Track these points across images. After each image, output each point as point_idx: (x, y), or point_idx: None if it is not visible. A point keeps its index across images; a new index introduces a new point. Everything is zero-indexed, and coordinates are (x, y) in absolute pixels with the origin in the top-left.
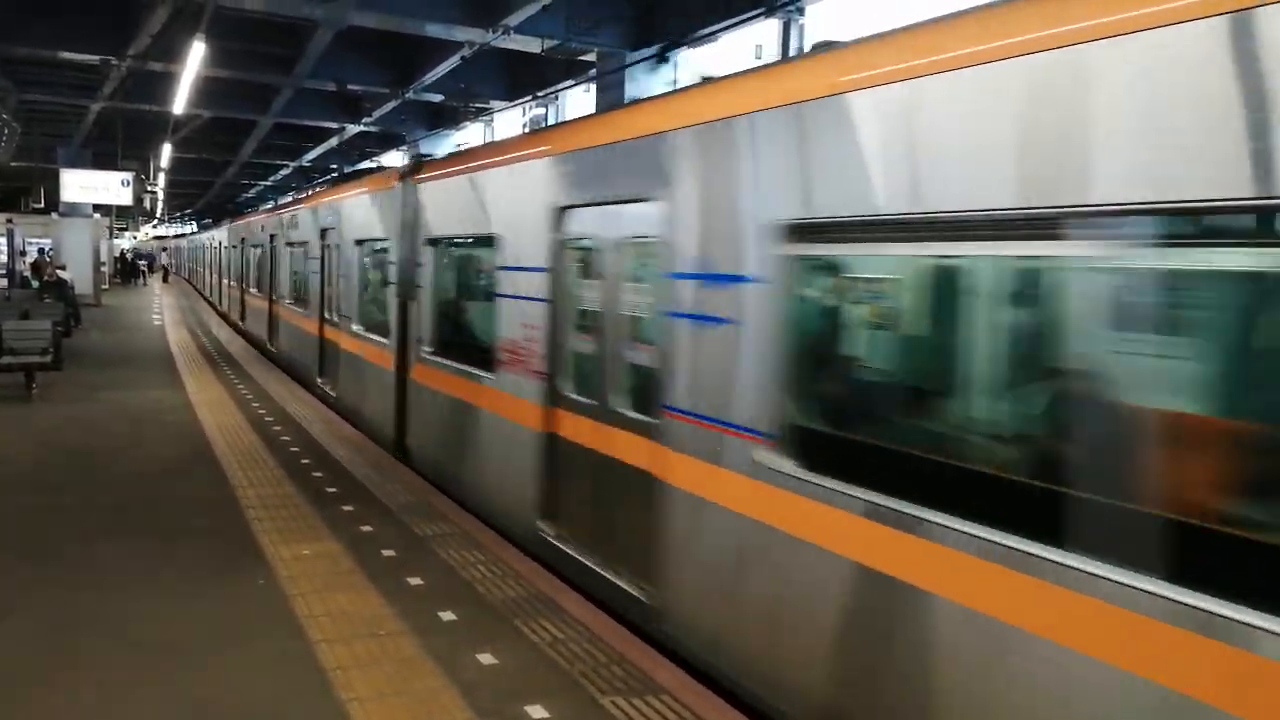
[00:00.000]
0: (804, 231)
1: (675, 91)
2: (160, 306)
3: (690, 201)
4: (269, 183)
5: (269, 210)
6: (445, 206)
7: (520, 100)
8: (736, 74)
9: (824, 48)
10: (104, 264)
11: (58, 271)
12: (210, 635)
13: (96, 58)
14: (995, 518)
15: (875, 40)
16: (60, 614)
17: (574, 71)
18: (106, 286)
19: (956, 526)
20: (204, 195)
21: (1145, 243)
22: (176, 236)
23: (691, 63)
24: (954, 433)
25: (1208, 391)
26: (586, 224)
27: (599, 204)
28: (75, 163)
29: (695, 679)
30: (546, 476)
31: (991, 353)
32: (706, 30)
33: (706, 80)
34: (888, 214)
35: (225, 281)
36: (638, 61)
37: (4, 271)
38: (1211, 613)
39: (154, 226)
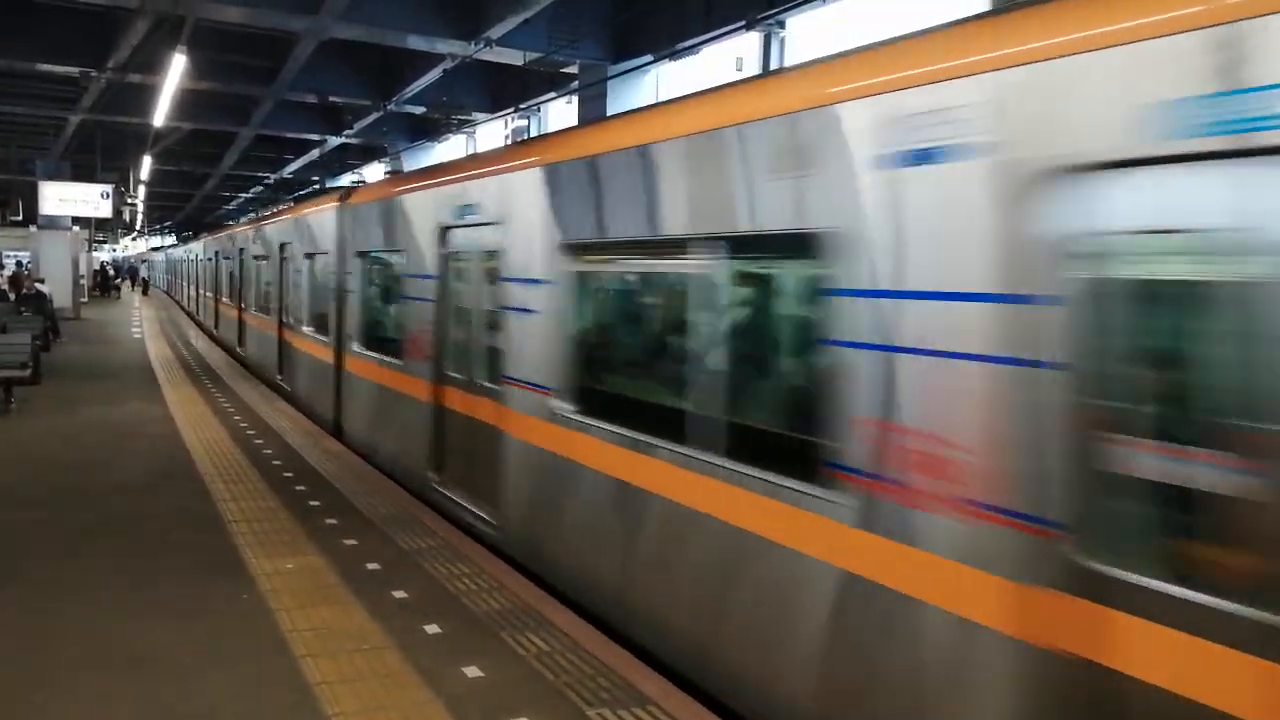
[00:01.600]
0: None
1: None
2: (140, 319)
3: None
4: (249, 195)
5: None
6: (371, 225)
7: (502, 112)
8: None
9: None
10: (83, 277)
11: (36, 285)
12: (192, 651)
13: (76, 70)
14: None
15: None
16: (37, 631)
17: (556, 84)
18: (85, 300)
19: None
20: (184, 208)
21: None
22: (172, 246)
23: (674, 75)
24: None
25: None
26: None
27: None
28: (54, 175)
29: (680, 688)
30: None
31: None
32: (688, 43)
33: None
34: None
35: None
36: (619, 74)
37: None
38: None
39: (133, 239)
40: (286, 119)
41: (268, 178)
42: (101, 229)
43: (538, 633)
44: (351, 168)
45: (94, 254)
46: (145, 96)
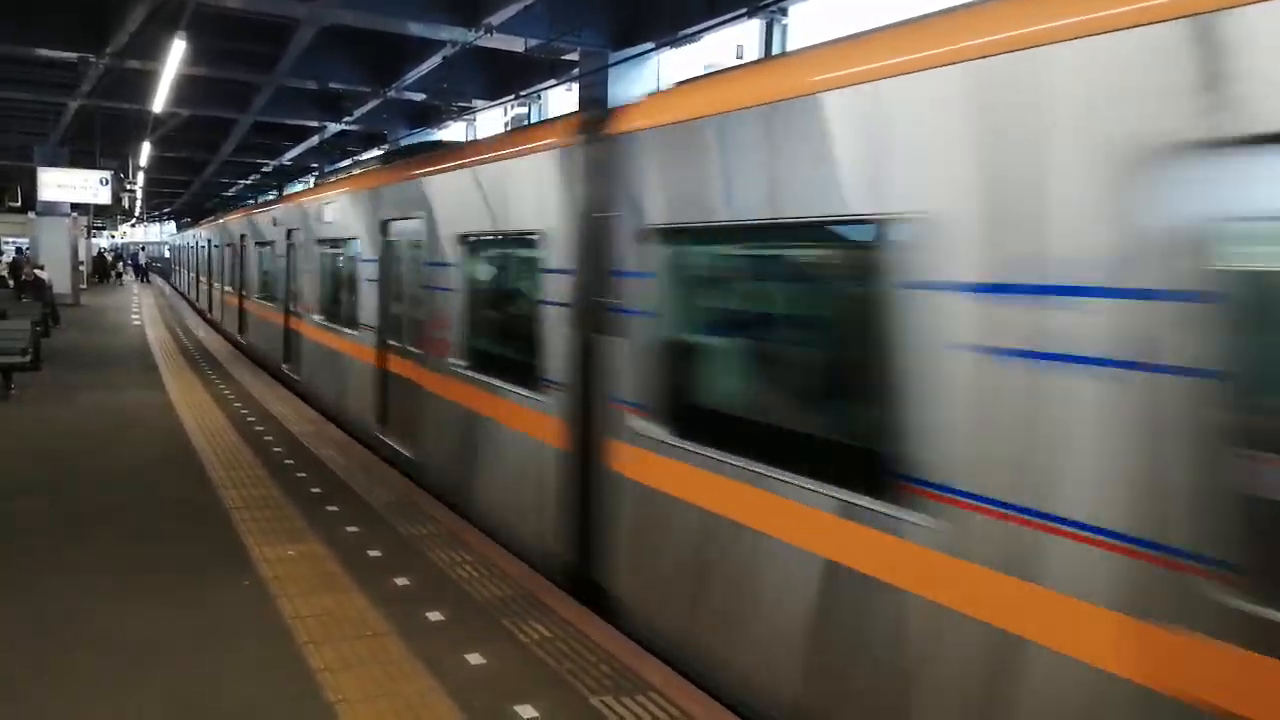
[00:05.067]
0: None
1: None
2: (139, 306)
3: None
4: (248, 181)
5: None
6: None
7: (503, 100)
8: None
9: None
10: (82, 263)
11: (35, 271)
12: (195, 638)
13: (74, 55)
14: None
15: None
16: (39, 619)
17: (557, 71)
18: (85, 286)
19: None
20: (183, 194)
21: None
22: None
23: (676, 63)
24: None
25: None
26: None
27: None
28: (53, 161)
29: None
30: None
31: None
32: (690, 30)
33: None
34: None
35: None
36: (620, 61)
37: None
38: None
39: (131, 226)
40: (286, 106)
41: (267, 165)
42: (100, 215)
43: (539, 620)
44: (351, 154)
45: (93, 240)
46: (144, 82)
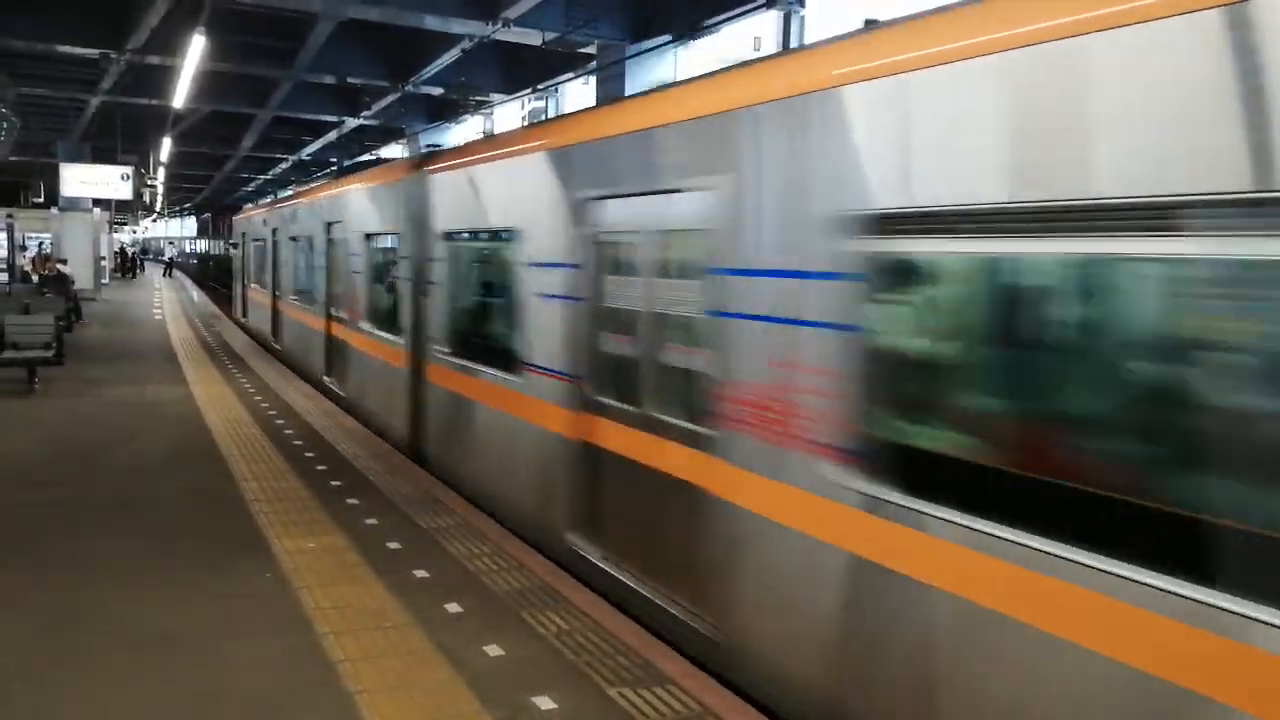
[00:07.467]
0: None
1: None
2: (161, 301)
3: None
4: (268, 176)
5: None
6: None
7: (520, 93)
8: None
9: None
10: (104, 259)
11: (58, 266)
12: (216, 628)
13: (96, 52)
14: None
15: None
16: (62, 609)
17: (574, 64)
18: (107, 281)
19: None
20: (203, 190)
21: None
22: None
23: (693, 55)
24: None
25: None
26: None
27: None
28: (74, 157)
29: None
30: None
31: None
32: (708, 22)
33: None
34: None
35: None
36: (638, 54)
37: (4, 266)
38: None
39: (153, 221)
40: (305, 100)
41: (286, 159)
42: (121, 211)
43: (557, 611)
44: (369, 149)
45: (114, 235)
46: (165, 78)
